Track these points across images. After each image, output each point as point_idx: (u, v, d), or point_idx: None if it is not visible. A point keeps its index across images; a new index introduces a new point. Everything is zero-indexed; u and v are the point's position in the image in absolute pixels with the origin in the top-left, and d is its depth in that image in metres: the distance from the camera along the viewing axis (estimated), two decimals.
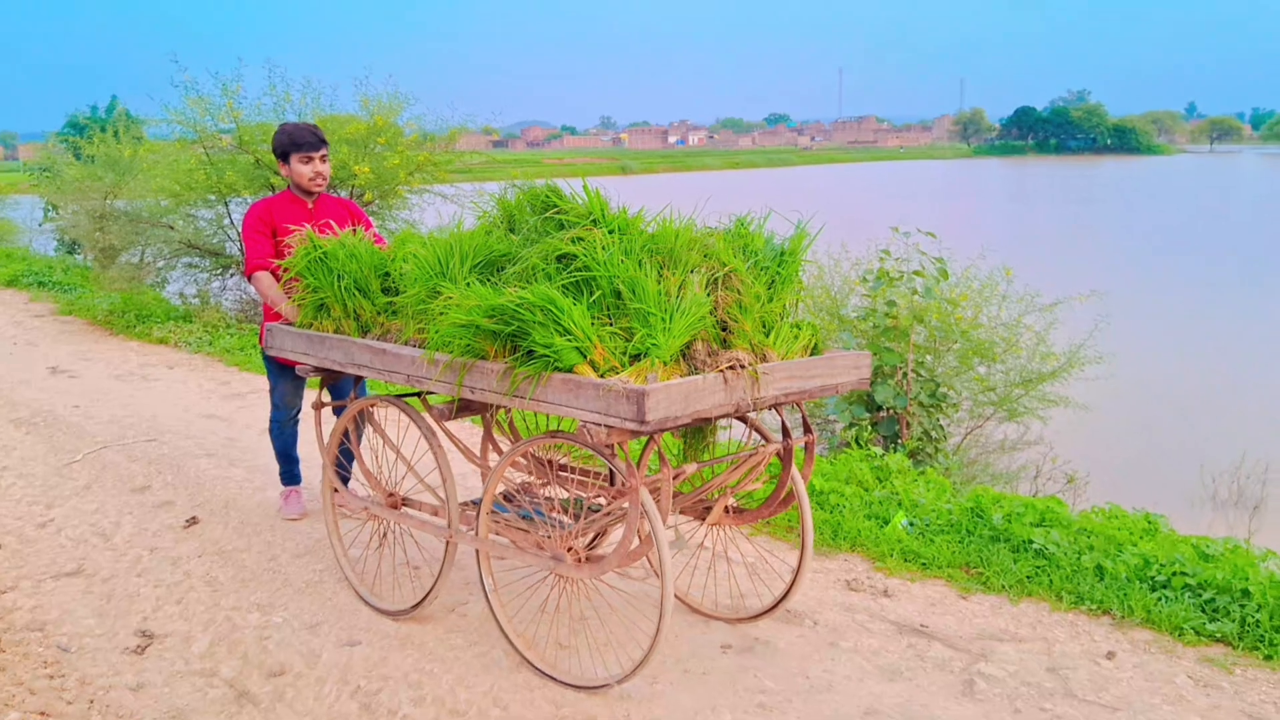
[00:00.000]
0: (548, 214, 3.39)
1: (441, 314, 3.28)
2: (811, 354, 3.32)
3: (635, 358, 2.99)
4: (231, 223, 12.41)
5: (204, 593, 4.31)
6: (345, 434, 4.44)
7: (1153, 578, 4.14)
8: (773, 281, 3.32)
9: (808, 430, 3.64)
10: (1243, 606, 3.85)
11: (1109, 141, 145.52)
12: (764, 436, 3.64)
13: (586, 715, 3.28)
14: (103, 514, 5.30)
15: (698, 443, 3.56)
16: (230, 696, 3.47)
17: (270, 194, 11.74)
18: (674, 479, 3.28)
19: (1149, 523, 4.77)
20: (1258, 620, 3.76)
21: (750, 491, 3.67)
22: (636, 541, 3.19)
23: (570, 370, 2.98)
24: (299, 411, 5.14)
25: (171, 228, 11.80)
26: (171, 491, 5.70)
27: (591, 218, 3.28)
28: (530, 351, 3.04)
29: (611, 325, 3.04)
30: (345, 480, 5.20)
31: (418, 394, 3.97)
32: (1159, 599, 4.00)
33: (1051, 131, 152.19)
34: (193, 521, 5.18)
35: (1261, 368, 15.39)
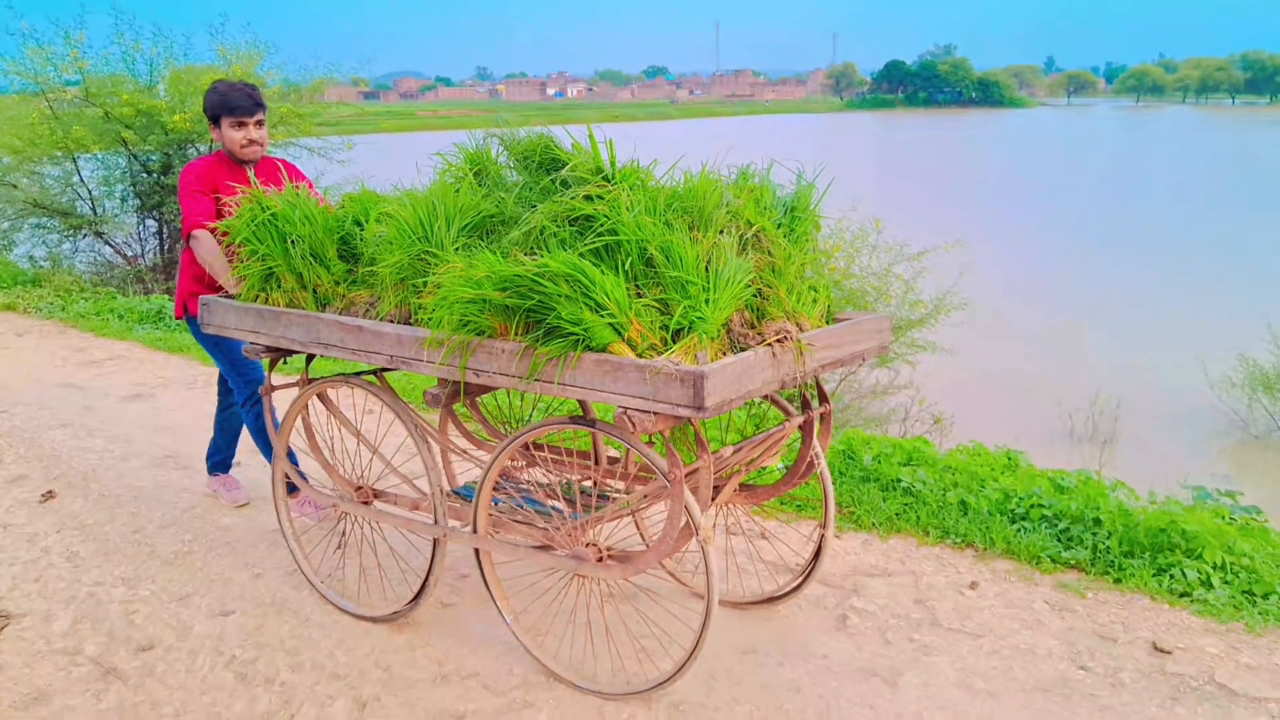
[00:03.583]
0: (550, 169, 3.02)
1: (437, 286, 2.87)
2: (827, 317, 3.07)
3: (674, 333, 2.66)
4: (81, 180, 11.77)
5: (64, 569, 4.11)
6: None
7: (1013, 510, 4.36)
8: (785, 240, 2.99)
9: (824, 400, 3.38)
10: (1094, 534, 4.09)
11: (974, 95, 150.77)
12: (784, 410, 3.39)
13: (469, 671, 3.27)
14: None
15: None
16: (96, 674, 3.33)
17: (125, 150, 11.23)
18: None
19: (1009, 459, 5.01)
20: (1108, 547, 4.00)
21: (763, 468, 3.40)
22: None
23: (604, 349, 2.63)
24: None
25: (15, 186, 11.10)
26: (25, 465, 5.40)
27: (603, 174, 2.87)
28: (551, 329, 2.69)
29: (642, 296, 2.68)
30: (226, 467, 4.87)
31: (374, 372, 3.59)
32: (1018, 530, 4.21)
33: (920, 85, 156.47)
34: (49, 495, 4.92)
35: (1114, 310, 16.30)
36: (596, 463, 3.67)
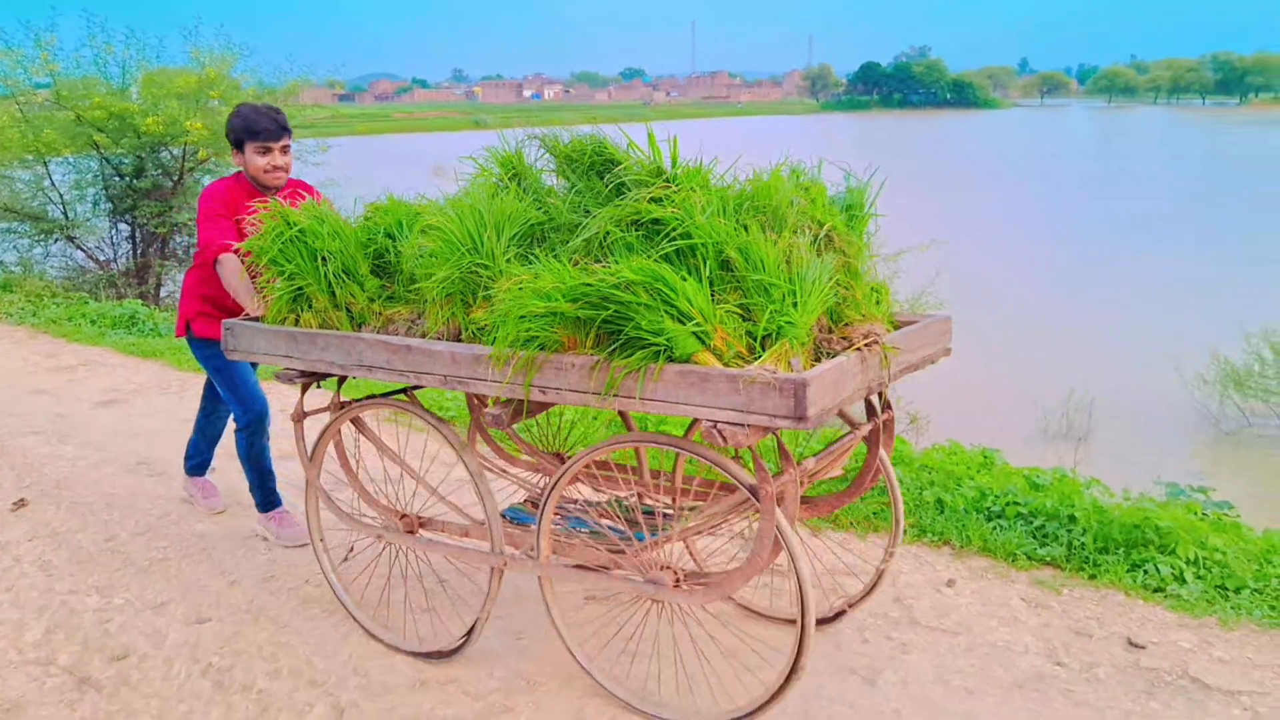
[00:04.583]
0: (601, 172, 2.90)
1: (489, 299, 2.75)
2: (888, 320, 2.95)
3: (760, 340, 2.52)
4: (53, 184, 11.66)
5: (37, 577, 4.06)
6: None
7: (989, 508, 4.39)
8: None
9: (887, 406, 3.22)
10: (1069, 531, 4.12)
11: (948, 96, 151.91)
12: (847, 420, 3.27)
13: (448, 678, 3.26)
14: None
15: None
16: (70, 684, 3.29)
17: (97, 153, 11.13)
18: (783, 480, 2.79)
19: (985, 457, 5.04)
20: (1083, 543, 4.04)
21: (827, 478, 3.25)
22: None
23: (687, 360, 2.48)
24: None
25: None
26: None
27: (665, 176, 2.72)
28: (627, 340, 2.53)
29: (721, 302, 2.53)
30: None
31: (403, 390, 3.44)
32: (994, 528, 4.24)
33: (895, 86, 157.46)
34: (21, 504, 4.86)
35: (1088, 310, 16.44)
36: (672, 479, 3.50)
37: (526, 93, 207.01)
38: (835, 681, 3.21)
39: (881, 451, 3.24)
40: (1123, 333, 14.91)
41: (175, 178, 11.70)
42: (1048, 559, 4.02)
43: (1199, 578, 3.80)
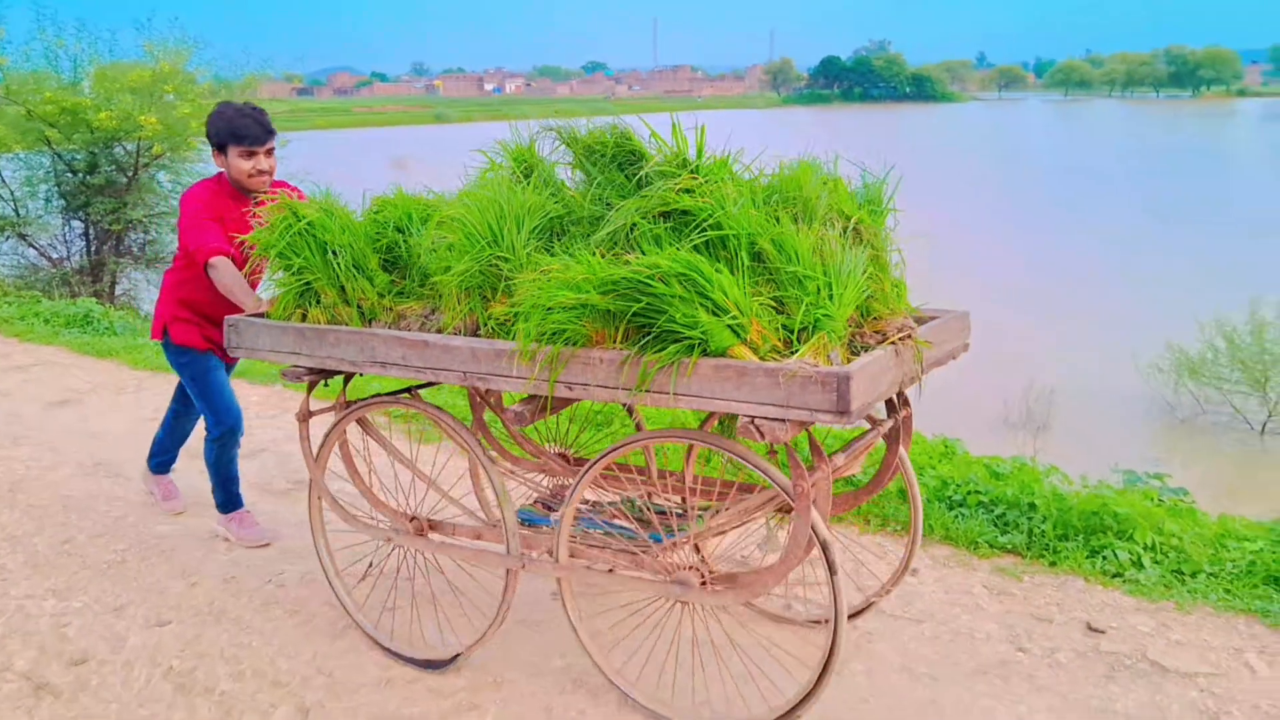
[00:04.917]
0: (623, 164, 2.86)
1: (510, 294, 2.72)
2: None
3: (796, 334, 2.48)
4: (3, 181, 11.45)
5: None
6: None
7: (950, 497, 4.43)
8: None
9: (905, 403, 3.19)
10: (1030, 519, 4.18)
11: (908, 90, 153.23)
12: (868, 417, 3.16)
13: (414, 676, 3.24)
14: None
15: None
16: (27, 690, 3.23)
17: (49, 149, 10.92)
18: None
19: (946, 446, 5.09)
20: (1043, 531, 4.09)
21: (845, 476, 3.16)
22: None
23: (722, 354, 2.43)
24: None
25: None
26: None
27: (690, 167, 2.67)
28: (659, 334, 2.47)
29: (756, 295, 2.49)
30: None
31: (408, 390, 3.35)
32: (956, 516, 4.28)
33: (856, 80, 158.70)
34: None
35: (1046, 301, 16.65)
36: (688, 478, 3.46)
37: (488, 86, 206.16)
38: (801, 673, 3.22)
39: (901, 450, 3.22)
40: (1081, 323, 15.14)
41: (129, 173, 11.51)
42: (1009, 547, 4.07)
43: (1156, 563, 3.87)
